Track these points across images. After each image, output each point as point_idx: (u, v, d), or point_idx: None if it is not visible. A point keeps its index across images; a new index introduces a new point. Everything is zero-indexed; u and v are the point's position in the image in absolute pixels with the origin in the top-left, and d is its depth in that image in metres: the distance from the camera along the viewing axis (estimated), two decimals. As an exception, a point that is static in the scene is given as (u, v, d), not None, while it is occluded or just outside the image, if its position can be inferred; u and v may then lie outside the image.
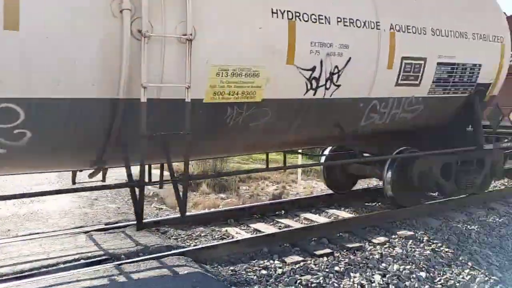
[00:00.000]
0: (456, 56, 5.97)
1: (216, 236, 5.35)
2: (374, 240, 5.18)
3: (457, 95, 6.26)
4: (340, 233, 5.40)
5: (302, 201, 7.05)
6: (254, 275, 4.18)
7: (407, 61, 5.48)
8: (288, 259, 4.57)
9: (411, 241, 5.24)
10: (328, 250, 4.84)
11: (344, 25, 4.89)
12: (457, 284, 4.47)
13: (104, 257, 4.31)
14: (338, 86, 5.00)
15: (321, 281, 4.13)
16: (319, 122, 5.31)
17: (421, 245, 5.16)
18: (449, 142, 6.39)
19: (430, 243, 5.23)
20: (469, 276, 4.60)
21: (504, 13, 8.41)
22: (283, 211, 6.49)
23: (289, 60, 4.52)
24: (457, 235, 5.56)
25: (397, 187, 6.11)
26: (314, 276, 4.20)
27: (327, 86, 4.93)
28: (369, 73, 5.25)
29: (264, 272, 4.26)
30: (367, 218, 5.99)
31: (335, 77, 4.94)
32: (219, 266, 4.33)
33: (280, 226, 5.85)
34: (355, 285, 4.16)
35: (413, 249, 5.01)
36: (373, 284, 4.21)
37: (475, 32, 6.15)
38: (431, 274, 4.57)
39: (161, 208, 7.27)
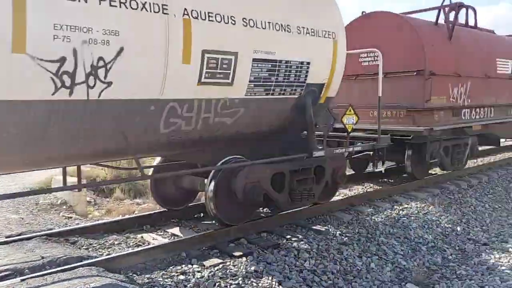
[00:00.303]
0: (277, 52, 5.11)
1: (131, 244, 5.12)
2: (291, 237, 5.32)
3: (284, 96, 5.44)
4: (259, 233, 5.48)
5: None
6: (172, 281, 4.06)
7: (210, 55, 4.52)
8: (207, 262, 4.52)
9: (319, 236, 5.44)
10: (247, 250, 4.87)
11: (111, 5, 3.79)
12: (368, 275, 4.75)
13: (5, 273, 3.92)
14: (109, 83, 3.89)
15: (240, 282, 4.14)
16: (92, 131, 4.05)
17: (335, 239, 5.41)
18: (288, 149, 5.74)
19: (343, 237, 5.50)
20: (377, 267, 4.91)
21: (363, 12, 8.74)
22: (202, 214, 6.40)
23: (17, 47, 3.33)
24: (367, 228, 5.91)
25: (220, 203, 5.12)
26: (233, 278, 4.20)
27: (91, 84, 3.79)
28: (157, 68, 4.18)
29: (182, 277, 4.16)
30: (281, 217, 6.13)
31: (101, 71, 3.82)
32: (134, 275, 4.14)
33: (199, 229, 5.76)
34: (273, 283, 4.22)
35: (327, 244, 5.23)
36: (291, 281, 4.31)
37: (301, 26, 5.33)
38: (343, 266, 4.80)
39: (70, 217, 6.80)
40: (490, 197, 8.05)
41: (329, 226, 5.84)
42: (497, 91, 9.91)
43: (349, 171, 8.79)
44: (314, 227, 5.70)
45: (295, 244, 5.13)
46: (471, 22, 9.85)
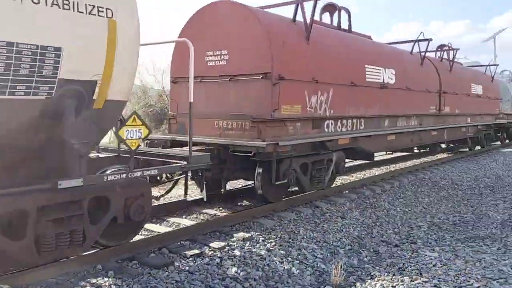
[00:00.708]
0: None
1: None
2: (213, 245, 5.26)
3: (23, 97, 3.65)
4: (181, 241, 5.36)
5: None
6: (86, 296, 3.81)
7: None
8: (124, 275, 4.31)
9: (248, 242, 5.48)
10: (168, 260, 4.73)
11: None
12: (289, 280, 4.83)
13: None
14: None
15: (160, 294, 4.00)
16: None
17: (257, 245, 5.45)
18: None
19: (266, 243, 5.55)
20: (298, 271, 5.01)
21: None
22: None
23: None
24: (288, 233, 6.03)
25: None
26: (153, 289, 4.04)
27: None
28: None
29: (97, 291, 3.93)
30: (205, 224, 6.06)
31: None
32: (43, 292, 3.82)
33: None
34: (195, 293, 4.14)
35: (250, 250, 5.25)
36: (213, 290, 4.26)
37: None
38: (265, 272, 4.84)
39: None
40: (401, 201, 8.63)
41: (252, 232, 5.87)
42: (368, 101, 8.92)
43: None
44: (238, 234, 5.71)
45: (218, 252, 5.09)
46: (350, 26, 9.24)
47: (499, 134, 19.08)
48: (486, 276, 4.80)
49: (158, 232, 5.67)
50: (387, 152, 13.54)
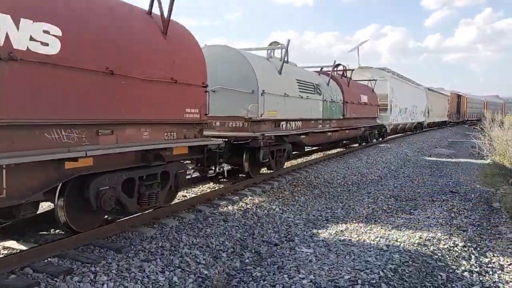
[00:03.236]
0: None
1: None
2: (86, 260, 4.83)
3: None
4: (49, 258, 4.82)
5: None
6: None
7: None
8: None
9: (120, 255, 5.13)
10: (32, 281, 4.20)
11: None
12: (170, 289, 4.66)
13: None
14: None
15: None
16: None
17: (137, 256, 5.15)
18: None
19: (146, 253, 5.28)
20: (180, 279, 4.87)
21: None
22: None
23: None
24: (170, 241, 5.84)
25: None
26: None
27: None
28: None
29: None
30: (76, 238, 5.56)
31: None
32: None
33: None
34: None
35: (128, 262, 4.94)
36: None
37: None
38: (145, 285, 4.59)
39: None
40: (280, 201, 9.01)
41: (130, 242, 5.55)
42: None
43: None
44: (113, 246, 5.33)
45: (92, 267, 4.68)
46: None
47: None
48: (355, 268, 5.22)
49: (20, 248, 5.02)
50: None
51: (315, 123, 13.51)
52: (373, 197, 10.39)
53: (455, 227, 7.64)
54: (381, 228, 7.38)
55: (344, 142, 19.34)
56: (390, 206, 9.39)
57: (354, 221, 8.05)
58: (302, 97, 12.23)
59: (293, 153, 13.38)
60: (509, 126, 16.51)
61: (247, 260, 5.90)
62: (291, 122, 11.51)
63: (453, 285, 5.25)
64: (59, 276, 4.39)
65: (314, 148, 17.70)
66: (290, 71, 12.02)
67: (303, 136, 12.56)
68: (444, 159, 18.92)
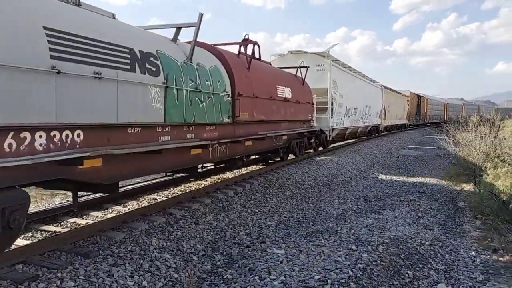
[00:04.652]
0: None
1: None
2: (52, 266, 4.71)
3: None
4: (13, 265, 4.66)
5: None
6: None
7: None
8: None
9: (87, 260, 5.02)
10: (-6, 290, 4.06)
11: None
12: (140, 294, 4.59)
13: None
14: None
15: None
16: None
17: (105, 261, 5.06)
18: None
19: (114, 257, 5.19)
20: (150, 284, 4.81)
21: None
22: None
23: None
24: (140, 245, 5.75)
25: None
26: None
27: None
28: None
29: None
30: (39, 244, 5.41)
31: None
32: None
33: None
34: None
35: (96, 268, 4.84)
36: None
37: None
38: (114, 290, 4.51)
39: None
40: (252, 203, 9.03)
41: (98, 247, 5.44)
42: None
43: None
44: (80, 251, 5.21)
45: (58, 273, 4.56)
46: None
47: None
48: (325, 268, 5.29)
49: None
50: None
51: (139, 133, 6.18)
52: (343, 198, 10.55)
53: (422, 227, 7.85)
54: (351, 229, 7.50)
55: (251, 159, 13.35)
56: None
57: (324, 222, 8.16)
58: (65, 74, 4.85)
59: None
60: (472, 127, 17.13)
61: (218, 263, 5.89)
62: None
63: (420, 283, 5.40)
64: (23, 283, 4.26)
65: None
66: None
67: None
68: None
